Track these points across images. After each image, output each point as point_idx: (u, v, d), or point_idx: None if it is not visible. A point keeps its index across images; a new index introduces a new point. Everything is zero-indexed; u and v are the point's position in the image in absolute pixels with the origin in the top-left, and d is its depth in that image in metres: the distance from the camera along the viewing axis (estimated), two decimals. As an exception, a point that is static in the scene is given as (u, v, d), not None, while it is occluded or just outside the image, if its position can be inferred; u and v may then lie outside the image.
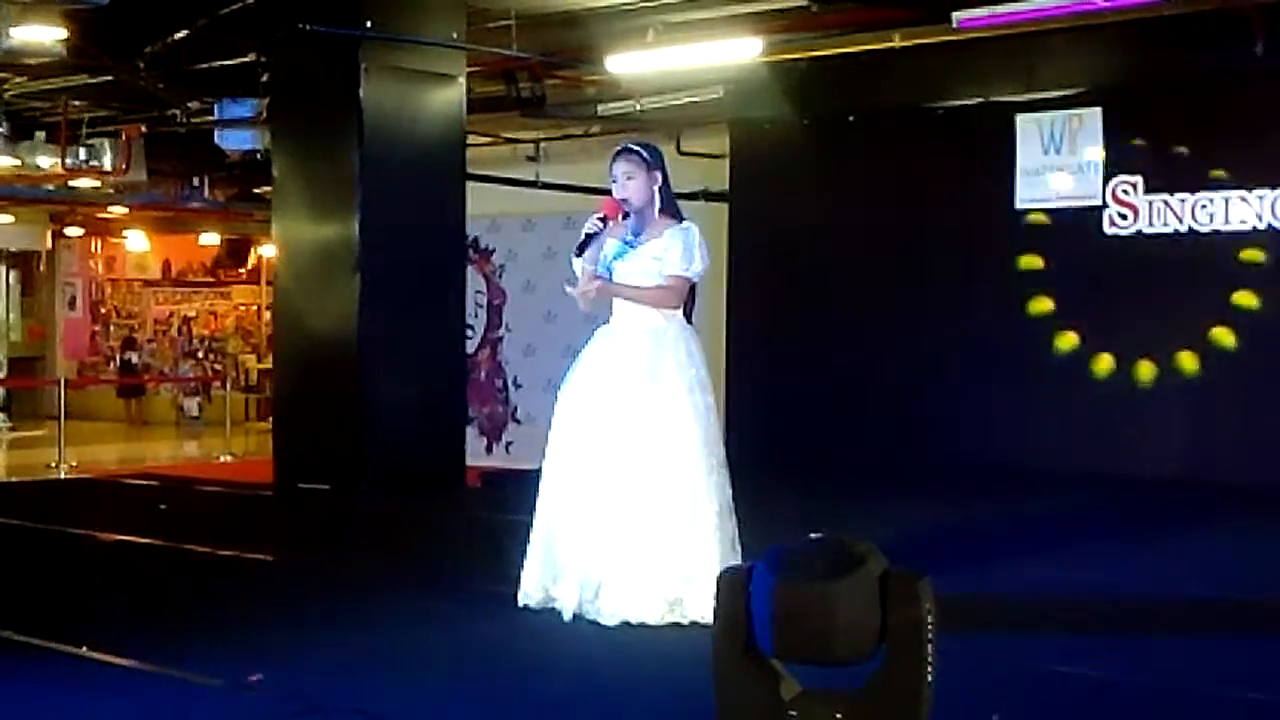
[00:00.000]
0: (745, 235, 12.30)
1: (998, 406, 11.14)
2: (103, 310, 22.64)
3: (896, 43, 10.20)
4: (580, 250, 5.80)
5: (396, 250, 10.09)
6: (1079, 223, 10.91)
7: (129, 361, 21.49)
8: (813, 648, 3.07)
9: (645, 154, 5.88)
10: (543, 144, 14.34)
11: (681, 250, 5.79)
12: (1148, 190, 10.65)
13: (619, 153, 5.92)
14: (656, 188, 5.86)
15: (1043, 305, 11.10)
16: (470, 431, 12.06)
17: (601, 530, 5.62)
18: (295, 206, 10.45)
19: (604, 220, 5.77)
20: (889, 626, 3.07)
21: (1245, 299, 10.29)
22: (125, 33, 11.14)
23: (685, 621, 5.50)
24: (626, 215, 5.89)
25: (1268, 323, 10.19)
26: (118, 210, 18.01)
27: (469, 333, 12.64)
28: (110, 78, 12.60)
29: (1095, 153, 10.84)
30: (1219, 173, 10.37)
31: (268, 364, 17.93)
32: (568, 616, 5.60)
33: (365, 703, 4.58)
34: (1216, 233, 10.38)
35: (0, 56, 10.19)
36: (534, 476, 5.91)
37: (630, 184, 5.84)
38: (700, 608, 5.41)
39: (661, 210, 5.88)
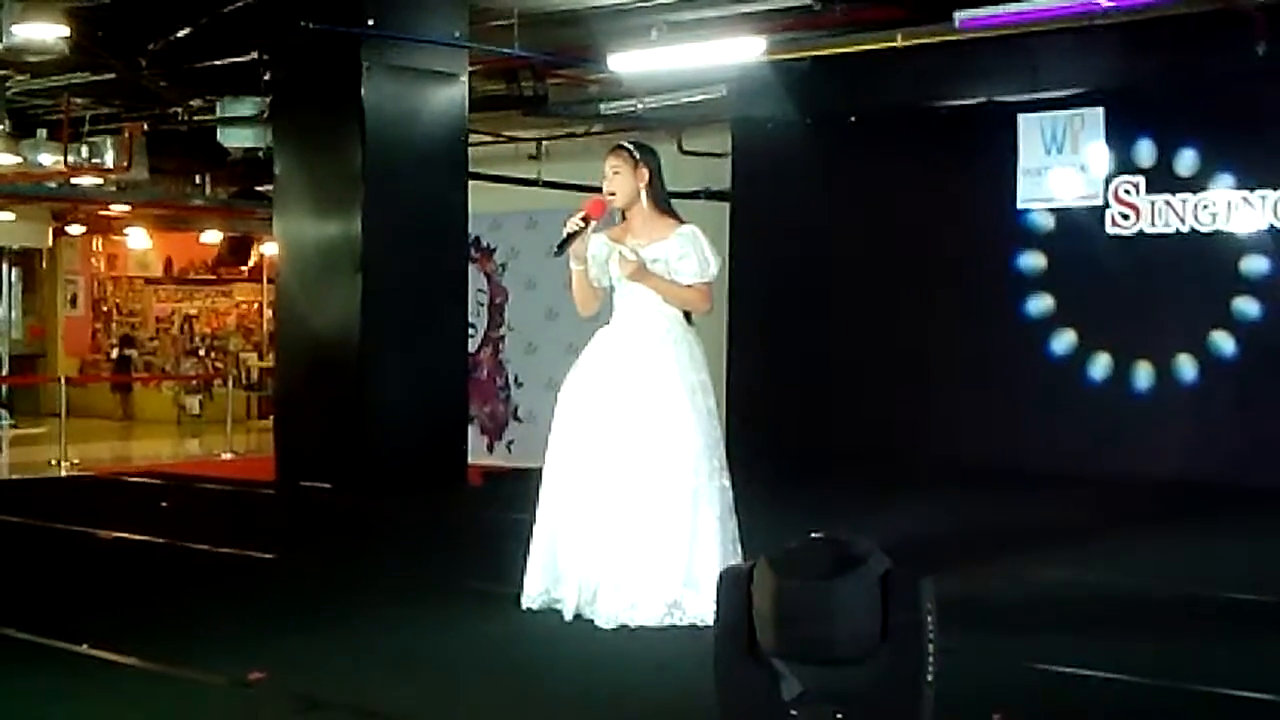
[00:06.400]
0: (747, 235, 12.28)
1: (997, 406, 11.14)
2: (104, 308, 22.61)
3: (899, 42, 10.18)
4: (559, 249, 5.76)
5: (398, 248, 10.09)
6: (1080, 223, 10.91)
7: (127, 358, 21.50)
8: (814, 647, 3.08)
9: (634, 151, 5.86)
10: (545, 143, 14.32)
11: (696, 260, 5.78)
12: (1149, 190, 10.66)
13: (611, 149, 5.94)
14: (643, 185, 5.83)
15: (1043, 305, 11.11)
16: (472, 430, 12.05)
17: (601, 533, 5.61)
18: (297, 204, 10.45)
19: (586, 220, 5.75)
20: (890, 626, 3.08)
21: (1246, 302, 10.29)
22: (127, 30, 11.13)
23: (684, 624, 5.50)
24: (624, 217, 5.89)
25: (1268, 326, 10.19)
26: (119, 208, 17.98)
27: (470, 331, 12.62)
28: (112, 75, 12.58)
29: (1097, 152, 10.84)
30: (1221, 174, 10.37)
31: (269, 362, 17.91)
32: (569, 618, 5.60)
33: (366, 701, 4.58)
34: (1218, 234, 10.39)
35: (2, 53, 10.20)
36: (535, 475, 5.91)
37: (616, 179, 5.84)
38: (699, 610, 5.41)
39: (654, 209, 5.86)
